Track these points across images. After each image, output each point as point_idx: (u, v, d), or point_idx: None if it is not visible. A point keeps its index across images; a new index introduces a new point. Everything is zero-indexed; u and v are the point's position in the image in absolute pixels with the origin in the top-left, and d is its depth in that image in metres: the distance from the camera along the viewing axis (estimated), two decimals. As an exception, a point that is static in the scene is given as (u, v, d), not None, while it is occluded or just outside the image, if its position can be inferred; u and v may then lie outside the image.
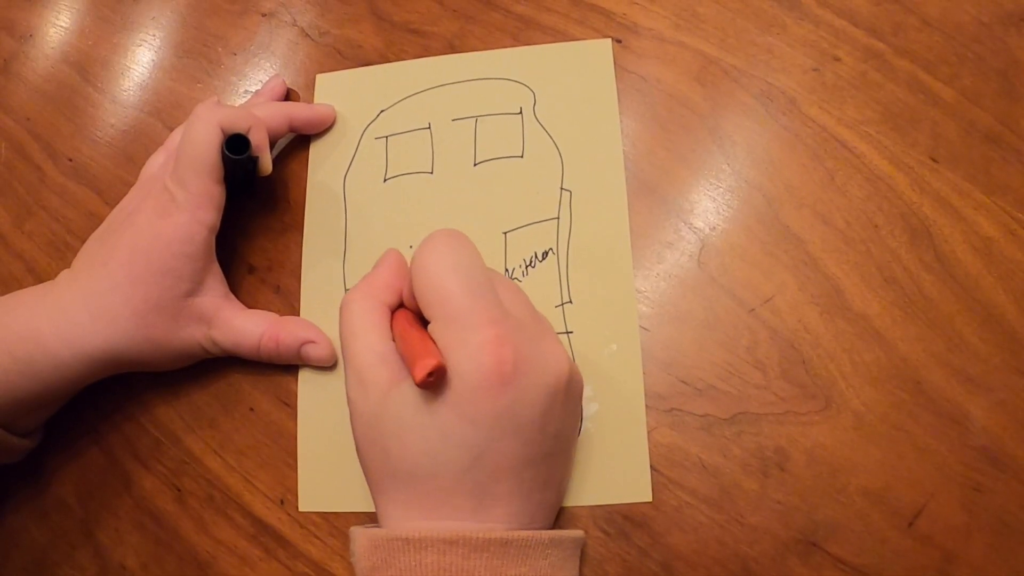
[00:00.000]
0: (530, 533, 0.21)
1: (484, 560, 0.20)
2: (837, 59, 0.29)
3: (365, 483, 0.23)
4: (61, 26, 0.37)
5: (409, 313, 0.24)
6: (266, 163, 0.29)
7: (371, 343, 0.22)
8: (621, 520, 0.25)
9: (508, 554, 0.20)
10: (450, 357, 0.20)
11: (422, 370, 0.20)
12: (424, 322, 0.22)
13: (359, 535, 0.21)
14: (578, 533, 0.23)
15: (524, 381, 0.20)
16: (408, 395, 0.21)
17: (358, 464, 0.23)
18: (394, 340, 0.23)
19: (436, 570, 0.20)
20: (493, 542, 0.20)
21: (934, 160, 0.27)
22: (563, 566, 0.22)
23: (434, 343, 0.21)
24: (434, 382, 0.20)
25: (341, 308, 0.24)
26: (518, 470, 0.21)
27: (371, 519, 0.26)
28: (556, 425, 0.22)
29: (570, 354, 0.26)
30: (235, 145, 0.27)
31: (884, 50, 0.29)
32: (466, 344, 0.20)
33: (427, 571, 0.20)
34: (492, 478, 0.21)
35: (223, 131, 0.26)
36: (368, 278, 0.24)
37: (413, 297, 0.22)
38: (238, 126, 0.27)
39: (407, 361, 0.21)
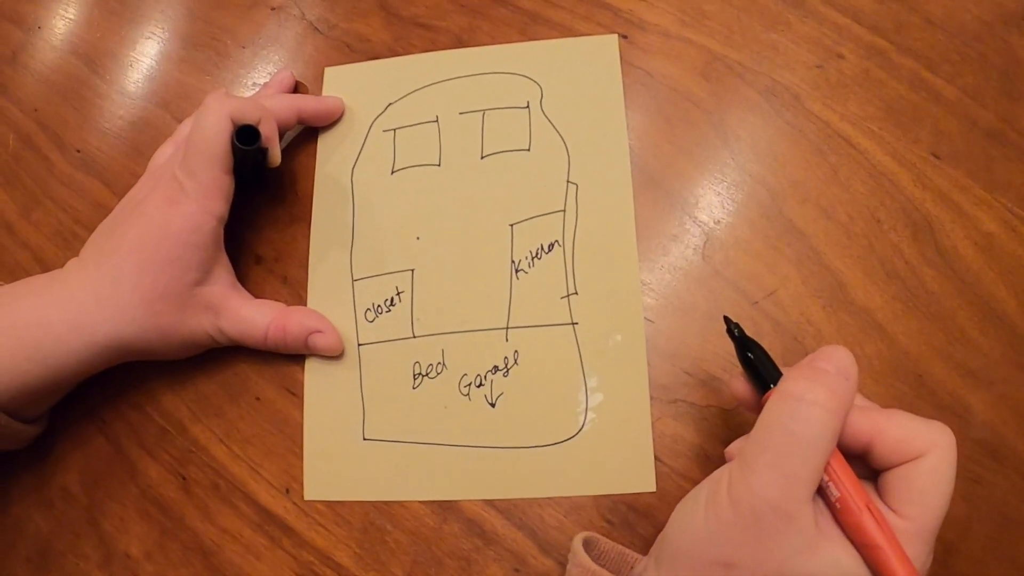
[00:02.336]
0: None
1: None
2: (841, 56, 0.29)
3: (370, 472, 0.23)
4: (69, 18, 0.38)
5: (853, 479, 0.19)
6: (275, 155, 0.29)
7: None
8: (625, 510, 0.25)
9: None
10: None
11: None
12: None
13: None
14: None
15: None
16: None
17: (363, 454, 0.23)
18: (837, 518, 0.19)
19: None
20: None
21: (936, 156, 0.28)
22: None
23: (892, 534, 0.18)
24: None
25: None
26: None
27: (376, 508, 0.27)
28: None
29: (575, 345, 0.27)
30: (245, 136, 0.27)
31: (887, 48, 0.29)
32: (925, 562, 0.18)
33: None
34: None
35: (233, 122, 0.27)
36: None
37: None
38: (248, 117, 0.27)
39: (882, 559, 0.18)
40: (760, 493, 0.18)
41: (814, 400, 0.18)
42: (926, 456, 0.19)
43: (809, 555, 0.18)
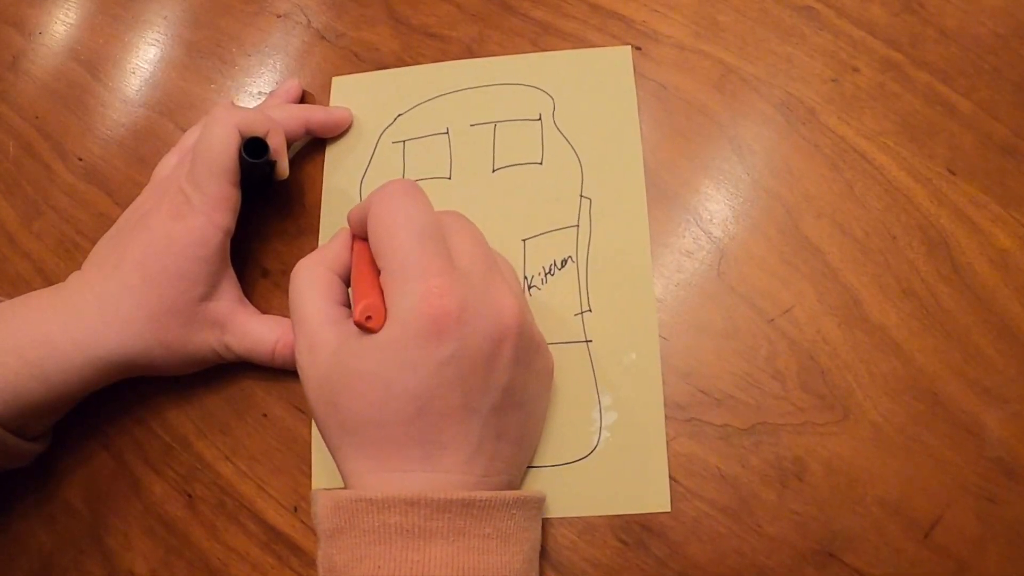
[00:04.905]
0: (493, 493, 0.21)
1: (447, 520, 0.20)
2: (856, 70, 0.29)
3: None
4: (71, 23, 0.37)
5: (369, 258, 0.24)
6: (283, 167, 0.28)
7: (319, 306, 0.23)
8: (639, 530, 0.25)
9: (471, 514, 0.20)
10: (393, 306, 0.21)
11: (360, 310, 0.21)
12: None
13: (321, 497, 0.21)
14: (540, 494, 0.23)
15: (465, 330, 0.21)
16: (355, 347, 0.21)
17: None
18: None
19: (399, 531, 0.20)
20: (455, 503, 0.20)
21: (951, 172, 0.27)
22: (528, 526, 0.22)
23: (381, 290, 0.22)
24: (372, 325, 0.21)
25: (291, 276, 0.24)
26: (463, 419, 0.21)
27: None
28: (504, 376, 0.22)
29: (589, 363, 0.26)
30: (253, 149, 0.26)
31: (902, 61, 0.29)
32: (409, 294, 0.21)
33: (390, 532, 0.20)
34: (436, 427, 0.21)
35: (241, 134, 0.26)
36: (319, 249, 0.25)
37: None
38: (256, 129, 0.27)
39: (352, 301, 0.22)
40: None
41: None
42: (370, 207, 0.23)
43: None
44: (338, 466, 0.23)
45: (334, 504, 0.21)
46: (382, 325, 0.21)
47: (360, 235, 0.24)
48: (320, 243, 0.30)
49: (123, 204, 0.30)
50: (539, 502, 0.23)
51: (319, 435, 0.28)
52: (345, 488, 0.22)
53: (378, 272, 0.22)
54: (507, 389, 0.22)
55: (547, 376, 0.25)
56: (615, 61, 0.30)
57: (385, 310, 0.21)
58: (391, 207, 0.22)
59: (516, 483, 0.24)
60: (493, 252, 0.24)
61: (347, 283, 0.25)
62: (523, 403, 0.24)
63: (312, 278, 0.24)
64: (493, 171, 0.29)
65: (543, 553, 0.25)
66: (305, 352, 0.23)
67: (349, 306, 0.24)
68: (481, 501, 0.21)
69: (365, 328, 0.21)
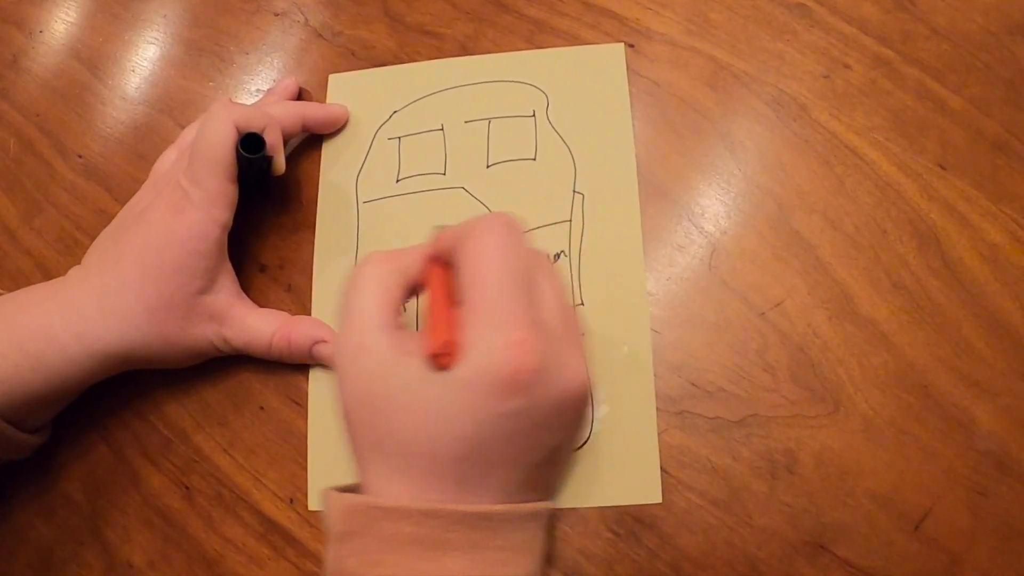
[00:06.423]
0: (508, 507, 0.21)
1: (462, 532, 0.20)
2: (847, 66, 0.29)
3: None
4: (71, 22, 0.37)
5: (447, 283, 0.22)
6: (280, 162, 0.29)
7: (378, 307, 0.22)
8: (631, 521, 0.25)
9: (487, 527, 0.21)
10: (472, 348, 0.20)
11: (436, 345, 0.20)
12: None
13: (336, 500, 0.21)
14: (551, 505, 0.24)
15: (537, 390, 0.20)
16: (419, 370, 0.21)
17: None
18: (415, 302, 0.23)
19: (413, 541, 0.20)
20: (471, 515, 0.20)
21: (942, 167, 0.28)
22: (537, 537, 0.22)
23: (457, 324, 0.21)
24: (445, 363, 0.20)
25: (356, 268, 0.23)
26: (508, 470, 0.21)
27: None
28: (557, 438, 0.22)
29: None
30: (250, 144, 0.27)
31: (893, 58, 0.29)
32: (491, 341, 0.20)
33: (405, 541, 0.20)
34: (482, 472, 0.21)
35: (238, 130, 0.26)
36: (393, 251, 0.24)
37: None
38: (253, 125, 0.27)
39: (427, 328, 0.21)
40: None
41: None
42: (467, 239, 0.21)
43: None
44: (358, 466, 0.22)
45: (348, 508, 0.21)
46: (454, 364, 0.20)
47: (445, 259, 0.23)
48: (317, 239, 0.30)
49: (123, 200, 0.30)
50: (550, 513, 0.23)
51: (315, 427, 0.28)
52: (357, 489, 0.22)
53: (455, 304, 0.21)
54: (555, 448, 0.23)
55: (585, 431, 0.26)
56: (608, 58, 0.30)
57: (458, 348, 0.20)
58: (490, 244, 0.21)
59: None
60: (571, 306, 0.24)
61: (410, 294, 0.23)
62: (563, 460, 0.24)
63: (379, 276, 0.22)
64: (487, 167, 0.30)
65: (536, 544, 0.25)
66: (351, 350, 0.21)
67: (407, 315, 0.23)
68: (498, 514, 0.21)
69: (437, 363, 0.20)
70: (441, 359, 0.20)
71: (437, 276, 0.23)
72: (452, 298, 0.22)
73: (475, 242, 0.21)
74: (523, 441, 0.21)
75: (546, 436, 0.22)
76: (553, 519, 0.24)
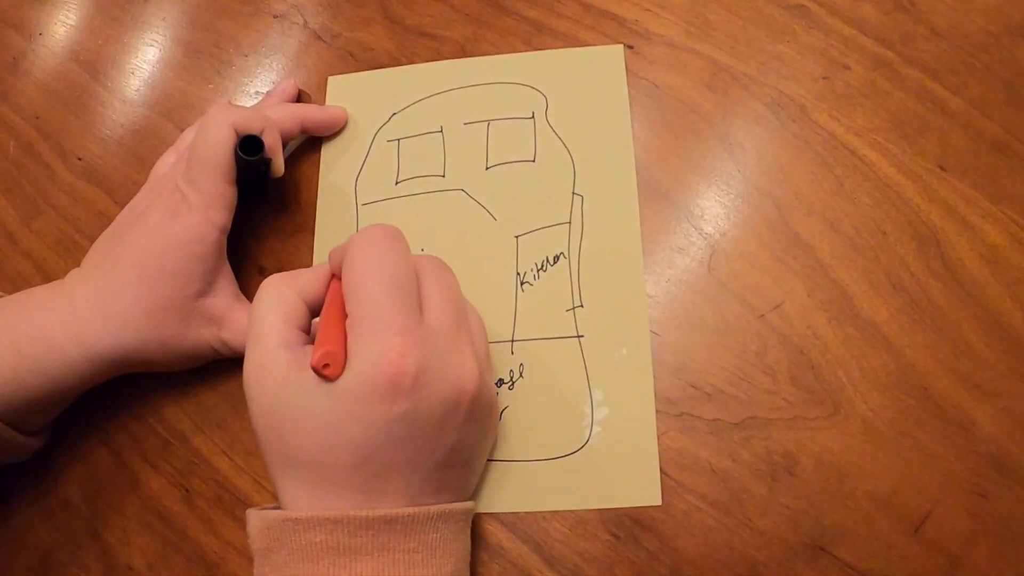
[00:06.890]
0: (416, 509, 0.21)
1: (370, 537, 0.20)
2: (847, 67, 0.29)
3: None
4: (70, 25, 0.37)
5: (341, 302, 0.23)
6: (278, 165, 0.29)
7: (278, 326, 0.22)
8: (630, 523, 0.25)
9: (394, 530, 0.21)
10: (354, 356, 0.21)
11: (316, 357, 0.20)
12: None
13: (254, 517, 0.22)
14: (467, 505, 0.23)
15: (421, 392, 0.21)
16: (309, 384, 0.21)
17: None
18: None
19: (325, 549, 0.20)
20: (376, 520, 0.21)
21: (942, 168, 0.28)
22: (455, 537, 0.22)
23: (346, 336, 0.21)
24: (329, 373, 0.20)
25: (257, 291, 0.24)
26: (406, 473, 0.21)
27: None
28: (453, 438, 0.22)
29: (581, 358, 0.27)
30: (248, 146, 0.27)
31: (893, 59, 0.29)
32: (370, 348, 0.20)
33: (317, 550, 0.20)
34: (380, 477, 0.21)
35: (236, 132, 0.26)
36: (294, 272, 0.25)
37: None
38: (251, 127, 0.27)
39: (315, 343, 0.21)
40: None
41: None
42: (346, 252, 0.22)
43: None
44: (274, 483, 0.23)
45: (264, 524, 0.21)
46: (339, 375, 0.21)
47: (339, 275, 0.23)
48: (316, 241, 0.30)
49: (122, 203, 0.30)
50: (466, 513, 0.23)
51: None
52: (279, 507, 0.22)
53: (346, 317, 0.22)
54: (454, 448, 0.22)
55: (494, 431, 0.25)
56: (607, 60, 0.30)
57: (345, 358, 0.21)
58: (366, 254, 0.22)
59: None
60: (464, 305, 0.24)
61: (314, 314, 0.24)
62: (469, 460, 0.24)
63: (278, 297, 0.23)
64: (487, 169, 0.30)
65: (536, 546, 0.25)
66: (254, 370, 0.22)
67: (310, 334, 0.24)
68: (404, 517, 0.21)
69: (321, 375, 0.21)
70: (327, 370, 0.20)
71: (333, 291, 0.24)
72: (344, 313, 0.22)
73: (351, 254, 0.22)
74: (418, 443, 0.21)
75: (442, 437, 0.22)
76: (470, 518, 0.24)
